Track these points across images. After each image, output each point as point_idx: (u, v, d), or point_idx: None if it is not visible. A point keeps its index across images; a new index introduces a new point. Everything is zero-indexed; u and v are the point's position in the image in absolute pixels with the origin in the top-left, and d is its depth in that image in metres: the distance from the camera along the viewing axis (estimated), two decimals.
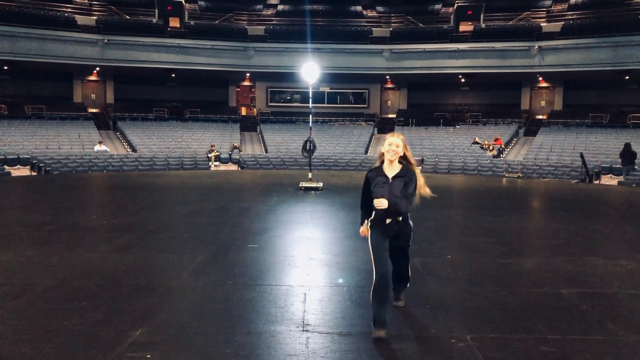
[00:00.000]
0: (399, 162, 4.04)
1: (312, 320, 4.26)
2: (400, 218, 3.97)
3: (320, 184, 13.98)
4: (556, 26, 30.12)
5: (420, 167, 4.94)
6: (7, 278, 5.39)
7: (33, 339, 3.81)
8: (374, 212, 3.99)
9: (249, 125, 31.41)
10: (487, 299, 4.91)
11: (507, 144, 27.90)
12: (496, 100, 33.40)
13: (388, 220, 3.93)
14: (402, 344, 3.84)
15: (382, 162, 4.06)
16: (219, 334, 4.01)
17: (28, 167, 21.86)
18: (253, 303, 4.71)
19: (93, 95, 32.20)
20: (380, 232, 3.96)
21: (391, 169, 4.00)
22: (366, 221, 4.07)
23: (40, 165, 21.58)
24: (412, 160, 4.08)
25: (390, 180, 3.94)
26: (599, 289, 5.37)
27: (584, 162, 20.97)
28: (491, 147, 26.17)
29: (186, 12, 32.80)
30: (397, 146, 3.98)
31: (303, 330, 4.06)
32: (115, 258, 6.28)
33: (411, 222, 4.12)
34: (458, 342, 3.87)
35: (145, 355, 3.57)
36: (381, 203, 3.79)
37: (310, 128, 16.34)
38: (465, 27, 32.33)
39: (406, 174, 3.98)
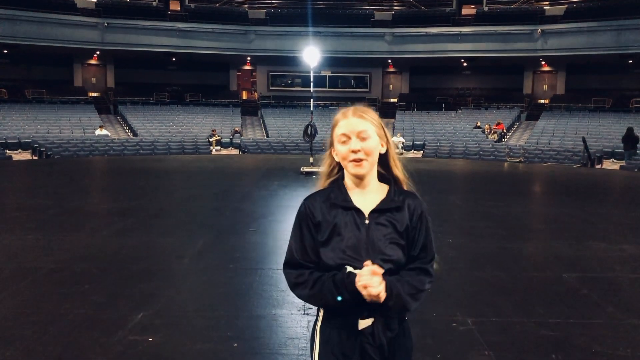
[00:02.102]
0: (380, 176, 1.78)
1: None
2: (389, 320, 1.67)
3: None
4: (559, 9, 29.85)
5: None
6: (9, 261, 5.40)
7: (35, 322, 3.83)
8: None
9: (250, 109, 31.30)
10: (488, 283, 4.92)
11: (509, 128, 27.81)
12: (498, 84, 33.21)
13: (364, 324, 1.64)
14: None
15: (337, 178, 1.79)
16: (221, 317, 4.02)
17: (29, 151, 21.84)
18: (254, 287, 4.72)
19: (93, 79, 32.06)
20: (341, 352, 1.67)
21: (364, 193, 1.73)
22: (319, 315, 1.75)
23: (42, 149, 21.56)
24: (399, 165, 1.80)
25: (367, 220, 1.68)
26: (599, 273, 5.38)
27: (586, 147, 20.91)
28: (493, 131, 26.08)
29: None
30: (364, 138, 1.68)
31: (304, 314, 4.08)
32: (116, 242, 6.29)
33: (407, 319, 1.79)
34: (459, 326, 3.88)
35: (147, 339, 3.58)
36: (371, 284, 1.54)
37: (312, 112, 16.27)
38: (468, 10, 32.05)
39: (404, 205, 1.73)
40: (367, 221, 1.68)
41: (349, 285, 1.58)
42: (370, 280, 1.54)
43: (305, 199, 1.77)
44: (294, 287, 1.71)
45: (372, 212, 1.69)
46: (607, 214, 9.10)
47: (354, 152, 1.67)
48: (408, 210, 1.72)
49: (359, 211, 1.69)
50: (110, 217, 7.97)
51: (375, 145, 1.70)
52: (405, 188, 1.79)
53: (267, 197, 10.18)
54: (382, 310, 1.62)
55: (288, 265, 1.74)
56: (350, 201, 1.71)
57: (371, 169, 1.72)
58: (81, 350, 3.41)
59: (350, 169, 1.70)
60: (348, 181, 1.76)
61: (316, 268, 1.69)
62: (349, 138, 1.68)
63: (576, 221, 8.27)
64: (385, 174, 1.79)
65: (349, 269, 1.60)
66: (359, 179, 1.72)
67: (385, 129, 1.77)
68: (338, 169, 1.80)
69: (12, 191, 11.35)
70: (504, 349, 3.52)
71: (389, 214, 1.70)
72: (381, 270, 1.57)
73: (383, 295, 1.56)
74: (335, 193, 1.74)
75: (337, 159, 1.76)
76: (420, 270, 1.69)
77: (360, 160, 1.67)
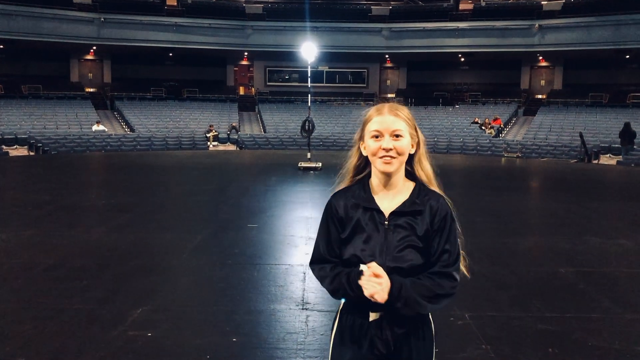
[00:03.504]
0: (407, 174, 1.77)
1: (311, 299, 4.29)
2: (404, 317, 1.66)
3: (319, 164, 13.97)
4: (557, 4, 29.81)
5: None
6: (7, 257, 5.40)
7: (34, 317, 3.84)
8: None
9: (247, 105, 31.23)
10: (485, 278, 4.93)
11: (507, 123, 27.81)
12: (496, 79, 33.20)
13: (373, 316, 1.68)
14: None
15: (364, 176, 1.79)
16: (220, 312, 4.03)
17: (26, 147, 21.77)
18: (253, 282, 4.73)
19: (90, 75, 31.94)
20: (352, 340, 1.72)
21: (387, 193, 1.73)
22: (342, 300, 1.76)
23: (38, 145, 21.50)
24: (428, 167, 1.79)
25: (387, 222, 1.69)
26: (596, 267, 5.40)
27: (583, 142, 20.94)
28: (490, 127, 26.10)
29: None
30: (398, 135, 1.67)
31: (303, 309, 4.09)
32: (115, 238, 6.29)
33: (432, 326, 1.79)
34: (457, 320, 3.90)
35: (147, 333, 3.60)
36: (372, 287, 1.57)
37: (309, 108, 16.27)
38: (466, 5, 31.98)
39: (425, 208, 1.70)
40: (386, 222, 1.69)
41: (357, 285, 1.61)
42: (367, 282, 1.57)
43: (331, 196, 1.79)
44: (320, 281, 1.75)
45: (392, 213, 1.70)
46: (603, 209, 9.13)
47: (385, 150, 1.66)
48: (430, 213, 1.70)
49: (379, 212, 1.70)
50: (108, 213, 7.97)
51: (407, 145, 1.69)
52: (431, 188, 1.76)
53: (265, 192, 10.18)
54: (387, 313, 1.64)
55: (314, 261, 1.78)
56: (373, 201, 1.71)
57: (399, 168, 1.70)
58: (80, 345, 3.42)
59: (378, 166, 1.68)
60: (374, 180, 1.74)
61: (339, 263, 1.72)
62: (382, 135, 1.67)
63: (573, 216, 8.30)
64: (411, 171, 1.77)
65: (362, 267, 1.61)
66: (387, 176, 1.71)
67: (418, 129, 1.75)
68: (364, 165, 1.78)
69: (9, 187, 11.33)
70: (501, 343, 3.54)
71: (409, 217, 1.69)
72: (379, 270, 1.58)
73: (380, 298, 1.57)
74: (359, 192, 1.74)
75: (364, 154, 1.75)
76: (441, 274, 1.67)
77: (391, 158, 1.66)
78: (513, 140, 24.42)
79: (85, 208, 8.47)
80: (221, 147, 24.78)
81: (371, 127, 1.69)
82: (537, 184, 14.05)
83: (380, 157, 1.66)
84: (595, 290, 4.61)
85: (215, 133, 25.22)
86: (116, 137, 23.96)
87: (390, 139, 1.66)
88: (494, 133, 25.76)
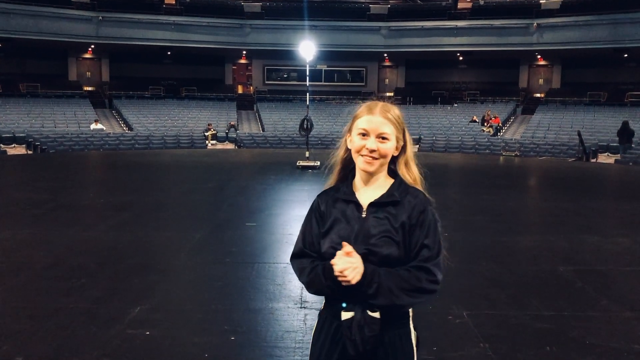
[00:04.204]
0: (389, 172, 1.79)
1: (309, 297, 4.29)
2: (377, 314, 1.63)
3: (318, 163, 13.96)
4: (555, 3, 29.82)
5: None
6: (5, 256, 5.39)
7: (32, 316, 3.83)
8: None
9: (245, 103, 31.22)
10: (483, 277, 4.94)
11: (505, 122, 27.83)
12: (494, 78, 33.21)
13: (345, 316, 1.65)
14: None
15: (347, 173, 1.83)
16: (218, 311, 4.03)
17: (24, 145, 21.73)
18: (251, 280, 4.73)
19: (88, 73, 31.89)
20: (328, 341, 1.72)
21: (368, 188, 1.75)
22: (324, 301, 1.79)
23: (37, 143, 21.46)
24: (415, 169, 1.84)
25: (365, 213, 1.71)
26: (594, 266, 5.41)
27: (581, 141, 20.94)
28: (489, 125, 26.11)
29: None
30: (384, 138, 1.70)
31: (301, 307, 4.09)
32: (113, 236, 6.29)
33: (414, 334, 1.75)
34: (455, 319, 3.90)
35: (145, 332, 3.60)
36: (343, 264, 1.57)
37: (308, 106, 16.27)
38: (464, 4, 31.98)
39: (404, 201, 1.71)
40: (364, 214, 1.70)
41: (329, 272, 1.61)
42: (339, 258, 1.58)
43: (318, 195, 1.84)
44: (298, 274, 1.77)
45: (370, 205, 1.71)
46: (601, 208, 9.15)
47: (368, 150, 1.69)
48: (408, 207, 1.70)
49: (358, 204, 1.72)
50: (106, 212, 7.97)
51: (391, 148, 1.72)
52: (414, 186, 1.78)
53: (263, 191, 10.18)
54: (365, 301, 1.61)
55: (294, 255, 1.81)
56: (352, 195, 1.74)
57: (380, 168, 1.74)
58: (78, 344, 3.41)
59: (359, 164, 1.72)
60: (357, 179, 1.77)
61: (319, 258, 1.73)
62: (369, 135, 1.70)
63: (571, 215, 8.31)
64: (395, 168, 1.80)
65: (338, 253, 1.63)
66: (368, 174, 1.74)
67: (406, 131, 1.78)
68: (351, 157, 1.78)
69: (8, 186, 11.31)
70: (499, 342, 3.55)
71: (387, 208, 1.70)
72: (350, 249, 1.58)
73: (351, 277, 1.56)
74: (342, 188, 1.78)
75: (349, 146, 1.77)
76: (419, 268, 1.64)
77: (373, 159, 1.69)
78: (511, 139, 24.43)
79: (84, 207, 8.47)
80: (219, 146, 24.77)
81: (359, 125, 1.72)
82: (535, 182, 14.06)
83: (363, 156, 1.70)
84: (593, 289, 4.62)
85: (213, 132, 25.20)
86: (114, 136, 23.92)
87: (376, 140, 1.69)
88: (492, 132, 25.78)
